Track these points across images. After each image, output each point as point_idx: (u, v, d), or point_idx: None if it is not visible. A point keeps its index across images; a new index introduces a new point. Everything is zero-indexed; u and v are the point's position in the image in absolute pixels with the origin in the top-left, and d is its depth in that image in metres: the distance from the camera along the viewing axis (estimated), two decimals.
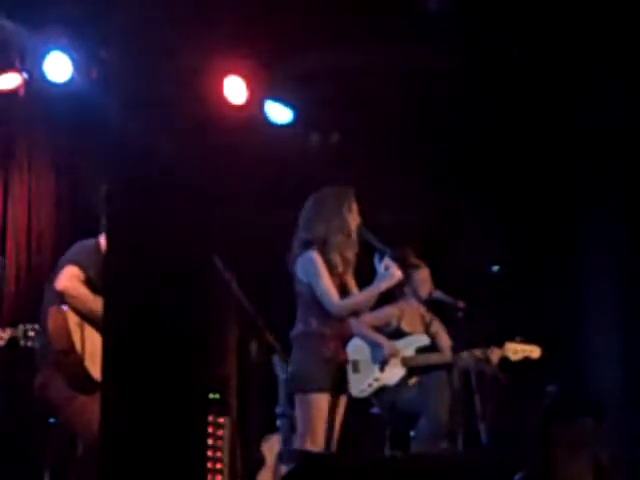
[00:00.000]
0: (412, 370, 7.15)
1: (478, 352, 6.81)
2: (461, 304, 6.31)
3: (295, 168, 7.68)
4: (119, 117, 4.16)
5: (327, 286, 5.65)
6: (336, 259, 5.75)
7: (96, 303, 5.50)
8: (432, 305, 6.99)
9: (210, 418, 6.48)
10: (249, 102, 7.51)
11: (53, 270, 5.80)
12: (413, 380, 7.16)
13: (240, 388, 7.17)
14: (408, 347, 7.19)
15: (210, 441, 6.45)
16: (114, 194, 4.33)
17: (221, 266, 5.78)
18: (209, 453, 6.39)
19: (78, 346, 5.56)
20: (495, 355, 6.94)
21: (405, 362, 7.14)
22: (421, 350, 7.19)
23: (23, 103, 6.87)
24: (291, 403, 6.06)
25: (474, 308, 6.36)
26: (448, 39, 7.10)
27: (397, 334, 7.22)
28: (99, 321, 5.23)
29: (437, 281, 6.94)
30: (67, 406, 5.60)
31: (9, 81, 6.72)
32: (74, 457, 5.70)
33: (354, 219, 5.77)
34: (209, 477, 6.39)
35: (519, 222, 8.20)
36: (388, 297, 6.45)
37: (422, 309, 7.26)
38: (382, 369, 7.11)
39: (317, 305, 5.69)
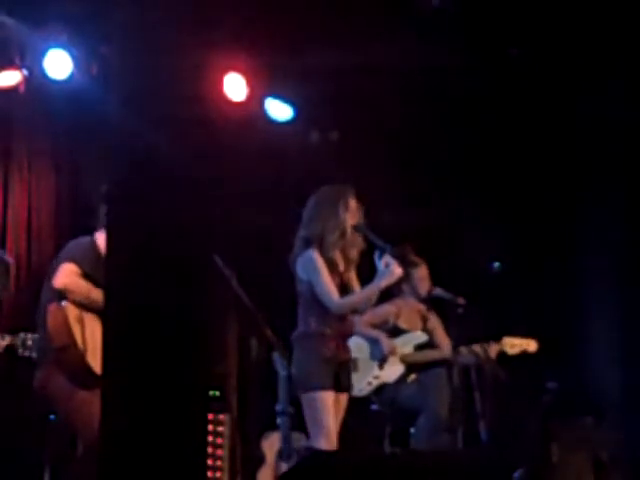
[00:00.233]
0: (411, 367, 7.16)
1: (477, 347, 6.82)
2: (461, 301, 6.32)
3: (295, 166, 7.68)
4: (119, 114, 4.15)
5: (327, 284, 5.66)
6: (337, 257, 5.76)
7: (97, 293, 5.53)
8: (432, 302, 6.98)
9: (210, 415, 6.49)
10: (249, 99, 7.51)
11: (50, 269, 5.81)
12: (412, 377, 7.17)
13: (240, 385, 7.17)
14: (406, 344, 7.21)
15: (210, 438, 6.46)
16: (114, 193, 4.33)
17: (221, 264, 5.78)
18: (209, 450, 6.40)
19: (79, 341, 5.57)
20: (493, 350, 6.96)
21: (404, 359, 7.15)
22: (419, 347, 7.20)
23: (23, 100, 6.87)
24: (291, 401, 6.07)
25: (474, 306, 6.36)
26: (448, 38, 7.10)
27: (394, 332, 7.24)
28: (102, 309, 5.25)
29: (437, 279, 6.94)
30: (67, 402, 5.60)
31: (9, 78, 6.71)
32: (74, 456, 5.70)
33: (351, 217, 5.76)
34: (209, 474, 6.40)
35: (519, 222, 8.20)
36: (385, 295, 6.45)
37: (420, 306, 7.26)
38: (381, 367, 7.12)
39: (317, 304, 5.69)
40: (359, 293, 5.79)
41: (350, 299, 5.76)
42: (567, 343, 7.97)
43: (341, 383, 5.72)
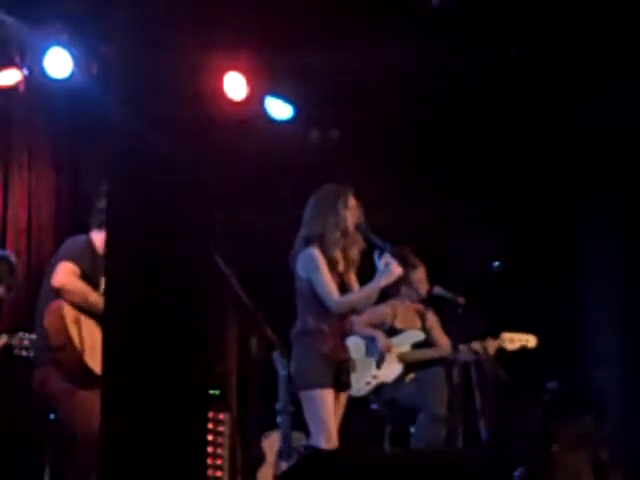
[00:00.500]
0: (409, 366, 7.16)
1: (476, 345, 6.82)
2: (461, 301, 6.32)
3: (295, 165, 7.68)
4: (119, 114, 4.15)
5: (327, 282, 5.65)
6: (337, 256, 5.76)
7: (95, 296, 5.55)
8: (432, 301, 6.99)
9: (210, 414, 6.49)
10: (249, 98, 7.51)
11: (48, 268, 5.82)
12: (411, 376, 7.17)
13: (240, 384, 7.17)
14: (403, 343, 7.21)
15: (210, 437, 6.46)
16: (114, 193, 4.33)
17: (221, 263, 5.79)
18: (209, 449, 6.40)
19: (76, 341, 5.57)
20: (492, 346, 6.95)
21: (402, 358, 7.15)
22: (417, 346, 7.20)
23: (23, 99, 6.87)
24: (291, 400, 6.06)
25: (474, 306, 6.37)
26: (448, 38, 7.10)
27: (391, 333, 7.24)
28: (99, 313, 5.26)
29: (437, 279, 6.94)
30: (67, 400, 5.61)
31: (9, 77, 6.71)
32: (74, 455, 5.70)
33: (351, 216, 5.76)
34: (209, 473, 6.40)
35: (519, 222, 8.20)
36: (382, 296, 6.45)
37: (418, 306, 7.27)
38: (379, 366, 7.12)
39: (316, 302, 5.69)
40: (359, 292, 5.79)
41: (350, 297, 5.75)
42: (567, 343, 7.98)
43: (340, 382, 5.71)
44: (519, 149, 8.08)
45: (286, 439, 6.29)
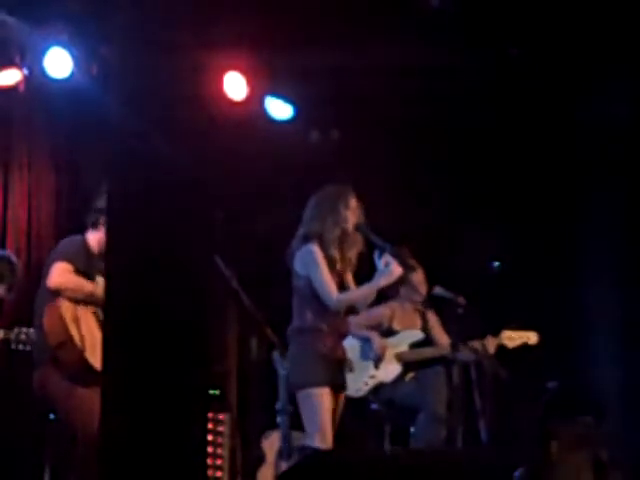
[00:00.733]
0: (408, 366, 7.15)
1: (476, 344, 6.81)
2: (461, 301, 6.31)
3: (295, 165, 7.67)
4: (119, 114, 4.16)
5: (325, 278, 5.64)
6: (336, 256, 5.75)
7: (91, 285, 5.61)
8: (432, 301, 6.99)
9: (210, 414, 6.49)
10: (249, 98, 7.50)
11: (44, 269, 5.84)
12: (410, 375, 7.17)
13: (240, 384, 7.17)
14: (401, 343, 7.20)
15: (210, 437, 6.46)
16: (114, 193, 4.33)
17: (221, 264, 5.79)
18: (209, 449, 6.40)
19: (76, 339, 5.59)
20: (492, 344, 6.94)
21: (400, 358, 7.14)
22: (415, 345, 7.19)
23: (23, 99, 6.86)
24: (291, 399, 6.06)
25: (474, 306, 6.36)
26: (448, 38, 7.09)
27: (388, 334, 7.23)
28: (99, 302, 5.31)
29: (437, 279, 6.94)
30: (66, 400, 5.62)
31: (9, 77, 6.70)
32: (74, 455, 5.70)
33: (352, 215, 5.76)
34: (209, 473, 6.40)
35: (519, 222, 8.19)
36: (380, 297, 6.44)
37: (418, 306, 7.27)
38: (377, 366, 7.12)
39: (314, 300, 5.67)
40: (358, 290, 5.78)
41: (348, 295, 5.75)
42: (567, 342, 7.97)
43: (337, 381, 5.71)
44: (519, 149, 8.07)
45: (286, 439, 6.29)
